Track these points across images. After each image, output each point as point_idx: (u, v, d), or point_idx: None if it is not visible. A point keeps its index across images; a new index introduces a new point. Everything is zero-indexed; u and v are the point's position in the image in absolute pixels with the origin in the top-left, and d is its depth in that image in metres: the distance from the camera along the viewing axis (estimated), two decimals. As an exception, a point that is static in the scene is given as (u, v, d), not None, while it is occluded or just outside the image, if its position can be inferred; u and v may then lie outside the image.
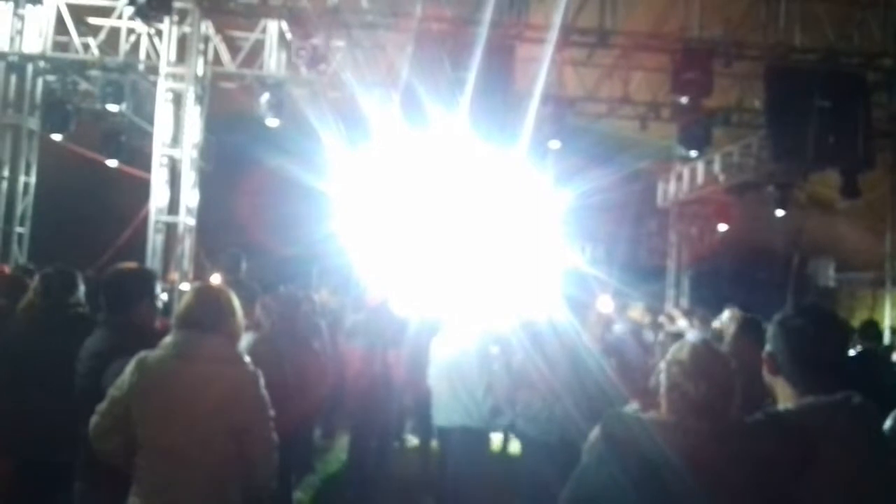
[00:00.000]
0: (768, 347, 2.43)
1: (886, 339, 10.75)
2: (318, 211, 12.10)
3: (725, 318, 6.66)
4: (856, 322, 12.61)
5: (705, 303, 12.45)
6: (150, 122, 11.20)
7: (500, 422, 6.21)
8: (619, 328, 7.23)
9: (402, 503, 6.88)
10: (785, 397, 2.37)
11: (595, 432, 2.42)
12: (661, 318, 10.19)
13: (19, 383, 4.28)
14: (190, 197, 10.72)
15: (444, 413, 6.10)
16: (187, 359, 3.09)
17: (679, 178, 16.50)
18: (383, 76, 11.57)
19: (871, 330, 6.90)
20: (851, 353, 6.98)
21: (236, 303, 3.29)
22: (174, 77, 10.82)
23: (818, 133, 10.25)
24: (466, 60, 9.95)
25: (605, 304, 8.47)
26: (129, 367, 3.09)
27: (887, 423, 2.96)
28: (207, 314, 3.18)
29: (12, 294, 5.17)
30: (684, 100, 10.63)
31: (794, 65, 10.80)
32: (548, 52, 10.20)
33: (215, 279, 6.82)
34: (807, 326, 2.38)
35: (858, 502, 2.20)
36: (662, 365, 2.43)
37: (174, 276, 10.30)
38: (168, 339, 3.15)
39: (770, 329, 2.44)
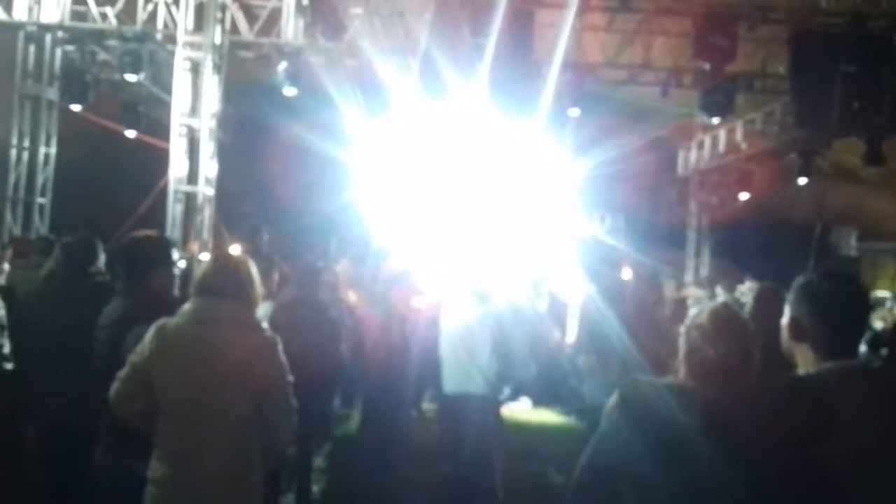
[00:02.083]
0: (792, 313, 2.39)
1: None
2: (337, 180, 12.08)
3: (745, 289, 6.63)
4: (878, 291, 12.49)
5: (726, 272, 12.37)
6: (169, 91, 11.20)
7: (507, 386, 6.24)
8: None
9: (419, 470, 6.92)
10: (805, 363, 2.35)
11: (612, 399, 2.41)
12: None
13: (42, 351, 4.34)
14: (209, 167, 10.74)
15: (450, 380, 6.14)
16: (206, 325, 3.12)
17: (700, 145, 16.29)
18: (402, 43, 11.47)
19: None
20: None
21: (254, 270, 3.31)
22: (192, 46, 10.78)
23: (843, 98, 10.07)
24: (486, 27, 9.82)
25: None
26: (149, 335, 3.12)
27: None
28: (225, 282, 3.20)
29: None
30: (707, 65, 10.46)
31: (819, 28, 10.58)
32: (569, 17, 10.05)
33: (235, 249, 6.85)
34: (835, 290, 2.35)
35: (879, 467, 2.18)
36: (682, 330, 2.41)
37: (194, 245, 10.35)
38: (187, 307, 3.18)
39: (793, 294, 2.40)
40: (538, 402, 8.37)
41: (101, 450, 3.55)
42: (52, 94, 11.91)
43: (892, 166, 12.66)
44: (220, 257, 3.43)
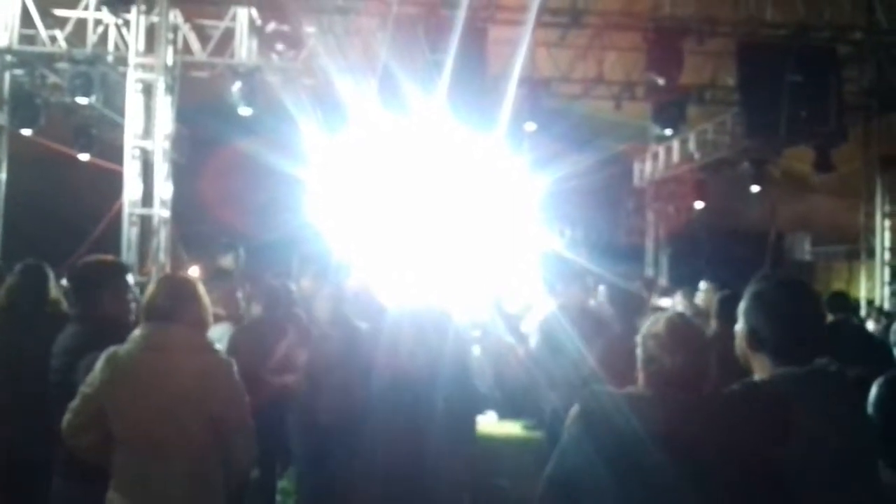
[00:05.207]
0: (746, 322, 2.41)
1: (862, 310, 10.87)
2: (296, 197, 12.02)
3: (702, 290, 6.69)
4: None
5: (684, 281, 12.51)
6: (121, 113, 11.05)
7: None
8: None
9: (387, 487, 6.86)
10: (763, 371, 2.37)
11: (573, 411, 2.42)
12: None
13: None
14: (163, 188, 10.61)
15: None
16: (157, 350, 3.04)
17: (655, 157, 16.53)
18: (358, 61, 11.47)
19: (839, 301, 6.76)
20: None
21: (202, 291, 3.23)
22: (144, 67, 10.66)
23: (791, 108, 10.31)
24: (442, 43, 9.90)
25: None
26: (99, 363, 3.03)
27: (873, 392, 2.99)
28: (172, 304, 3.12)
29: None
30: (658, 78, 10.64)
31: (765, 40, 10.84)
32: (525, 33, 10.16)
33: (193, 271, 6.76)
34: (789, 298, 2.38)
35: (834, 470, 2.22)
36: (639, 339, 2.44)
37: (151, 268, 10.20)
38: (136, 333, 3.09)
39: (746, 303, 2.43)
40: (503, 415, 8.40)
41: (57, 480, 3.46)
42: (2, 118, 11.69)
43: (842, 172, 12.97)
44: (165, 280, 3.34)
